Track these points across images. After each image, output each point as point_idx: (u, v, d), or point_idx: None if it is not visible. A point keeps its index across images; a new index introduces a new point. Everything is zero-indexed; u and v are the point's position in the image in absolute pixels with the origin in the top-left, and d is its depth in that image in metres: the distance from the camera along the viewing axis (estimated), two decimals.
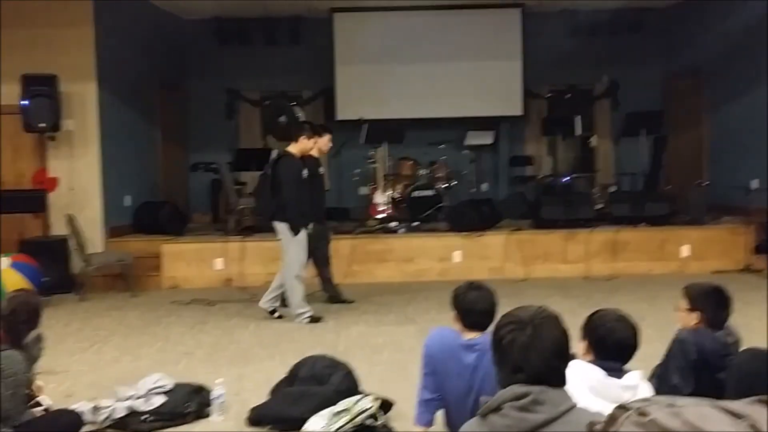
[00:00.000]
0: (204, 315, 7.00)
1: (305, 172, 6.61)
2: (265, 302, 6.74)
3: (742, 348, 2.85)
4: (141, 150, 9.87)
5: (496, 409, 1.86)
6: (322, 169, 7.14)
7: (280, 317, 6.71)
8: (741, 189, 8.57)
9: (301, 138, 6.64)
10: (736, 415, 1.28)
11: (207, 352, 5.70)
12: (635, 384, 2.55)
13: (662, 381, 2.96)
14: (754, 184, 8.94)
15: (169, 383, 4.25)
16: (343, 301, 7.26)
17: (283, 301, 6.75)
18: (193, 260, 8.47)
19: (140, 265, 8.35)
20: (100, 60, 8.59)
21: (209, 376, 4.69)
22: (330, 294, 7.30)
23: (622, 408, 1.26)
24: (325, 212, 7.33)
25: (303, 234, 6.48)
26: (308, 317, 6.55)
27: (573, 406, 1.84)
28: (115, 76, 8.90)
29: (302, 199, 6.49)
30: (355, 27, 11.07)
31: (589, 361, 2.58)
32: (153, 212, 9.23)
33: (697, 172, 10.48)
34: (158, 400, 4.11)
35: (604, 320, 2.65)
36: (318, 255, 7.06)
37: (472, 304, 3.16)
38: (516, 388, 1.85)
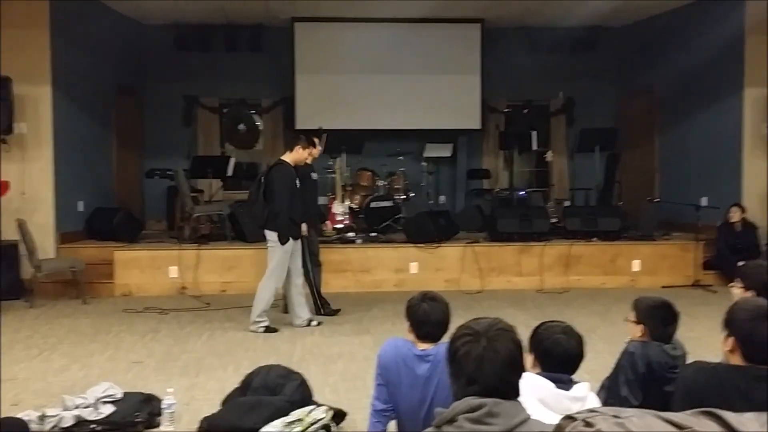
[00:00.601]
0: (157, 323, 6.90)
1: (297, 182, 6.64)
2: (298, 319, 6.73)
3: (689, 361, 2.92)
4: (95, 155, 9.70)
5: (451, 420, 1.86)
6: (315, 175, 7.11)
7: (318, 324, 6.72)
8: (691, 206, 8.79)
9: (297, 148, 6.66)
10: (679, 426, 1.31)
11: (159, 361, 5.62)
12: (584, 395, 2.59)
13: (611, 393, 3.02)
14: (704, 201, 9.18)
15: (118, 392, 4.18)
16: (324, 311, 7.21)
17: (285, 307, 6.91)
18: (147, 268, 8.35)
19: (92, 272, 8.20)
20: (55, 63, 8.44)
21: (160, 386, 4.63)
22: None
23: (568, 418, 1.29)
24: (317, 218, 7.28)
25: (290, 244, 6.51)
26: (264, 327, 6.53)
27: (527, 419, 1.86)
28: (70, 80, 8.75)
29: (293, 209, 6.53)
30: (316, 37, 11.09)
31: (537, 374, 2.62)
32: (106, 218, 9.08)
33: (649, 188, 10.72)
34: (107, 410, 4.04)
35: (549, 333, 2.70)
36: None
37: (425, 316, 3.17)
38: (470, 400, 1.86)
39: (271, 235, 6.50)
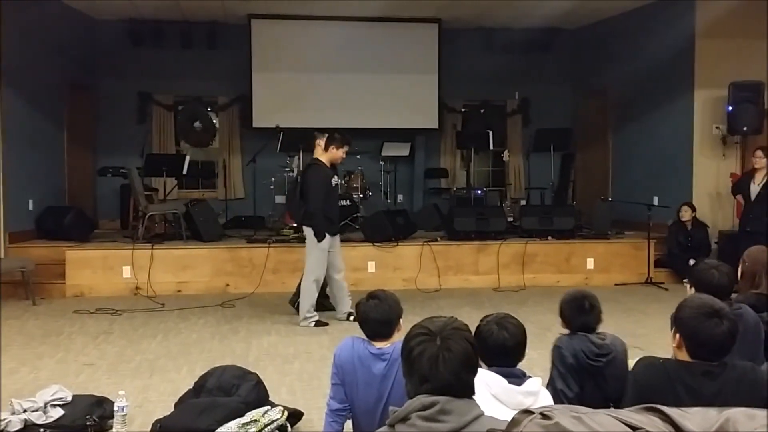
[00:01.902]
0: (109, 324, 6.77)
1: (334, 180, 6.69)
2: (340, 313, 6.87)
3: (640, 356, 2.98)
4: (46, 153, 9.48)
5: (404, 419, 1.87)
6: (336, 178, 6.96)
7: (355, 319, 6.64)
8: (643, 205, 8.96)
9: (332, 147, 6.64)
10: (633, 428, 1.33)
11: (111, 362, 5.51)
12: (536, 390, 2.62)
13: (549, 386, 3.09)
14: (656, 200, 9.36)
15: (68, 395, 4.08)
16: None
17: (296, 305, 6.86)
18: (100, 268, 8.19)
19: (43, 272, 8.02)
20: (4, 58, 8.23)
21: (112, 388, 4.54)
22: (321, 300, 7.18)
23: (525, 412, 1.29)
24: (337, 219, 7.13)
25: (327, 241, 6.58)
26: (314, 321, 6.65)
27: (480, 415, 1.87)
28: (19, 75, 8.53)
29: (329, 207, 6.64)
30: (273, 34, 11.01)
31: (490, 369, 2.64)
32: (57, 217, 8.89)
33: (603, 188, 10.90)
34: (56, 413, 3.94)
35: (486, 326, 2.76)
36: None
37: (367, 314, 3.19)
38: (423, 399, 1.87)
39: (308, 233, 6.61)
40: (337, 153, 6.68)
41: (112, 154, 10.75)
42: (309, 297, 6.66)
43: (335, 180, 6.76)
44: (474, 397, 1.93)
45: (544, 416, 1.29)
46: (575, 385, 3.12)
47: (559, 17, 10.72)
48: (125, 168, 9.34)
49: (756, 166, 7.94)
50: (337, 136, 6.73)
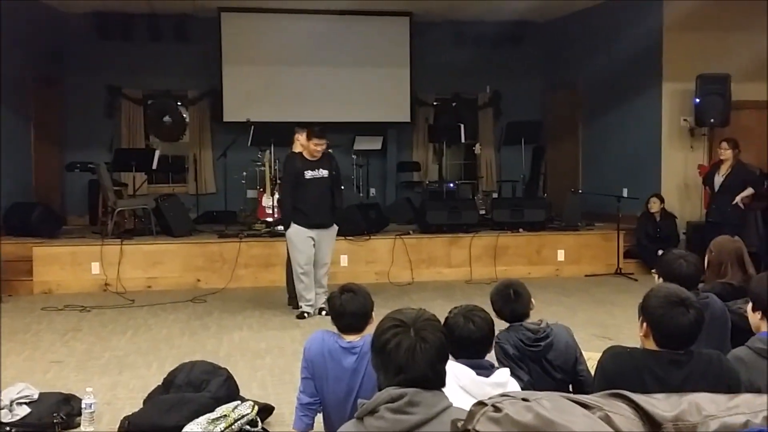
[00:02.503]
0: (78, 321, 6.68)
1: (311, 173, 6.58)
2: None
3: (609, 346, 3.01)
4: (11, 148, 9.29)
5: (372, 411, 1.87)
6: (324, 172, 6.68)
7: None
8: (612, 197, 9.04)
9: (294, 138, 6.78)
10: (589, 407, 1.34)
11: (79, 360, 5.44)
12: (504, 381, 2.63)
13: None
14: (625, 192, 9.45)
15: (34, 393, 4.02)
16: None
17: (293, 299, 6.86)
18: (68, 264, 8.08)
19: (10, 269, 7.87)
20: None
21: (80, 385, 4.49)
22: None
23: (480, 404, 1.30)
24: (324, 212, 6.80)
25: (297, 232, 6.57)
26: (302, 311, 6.71)
27: (448, 407, 1.88)
28: None
29: (301, 199, 6.59)
30: (244, 28, 10.92)
31: (458, 361, 2.65)
32: (24, 213, 8.73)
33: (573, 180, 10.98)
34: (22, 411, 3.88)
35: (454, 319, 2.78)
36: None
37: (341, 308, 3.18)
38: (391, 391, 1.87)
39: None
40: (308, 145, 6.63)
41: (80, 149, 10.59)
42: (299, 283, 6.69)
43: (313, 173, 6.58)
44: (443, 388, 1.94)
45: (496, 408, 1.29)
46: (524, 374, 3.16)
47: (530, 11, 10.76)
48: (94, 163, 9.20)
49: (721, 158, 8.05)
50: (314, 129, 6.67)
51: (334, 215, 6.82)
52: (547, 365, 3.22)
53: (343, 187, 7.30)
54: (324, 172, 6.64)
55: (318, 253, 6.72)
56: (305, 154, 6.63)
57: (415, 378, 1.88)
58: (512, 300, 3.34)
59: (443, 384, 1.95)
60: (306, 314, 6.66)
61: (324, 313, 6.60)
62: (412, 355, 1.89)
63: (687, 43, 9.14)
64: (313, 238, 6.61)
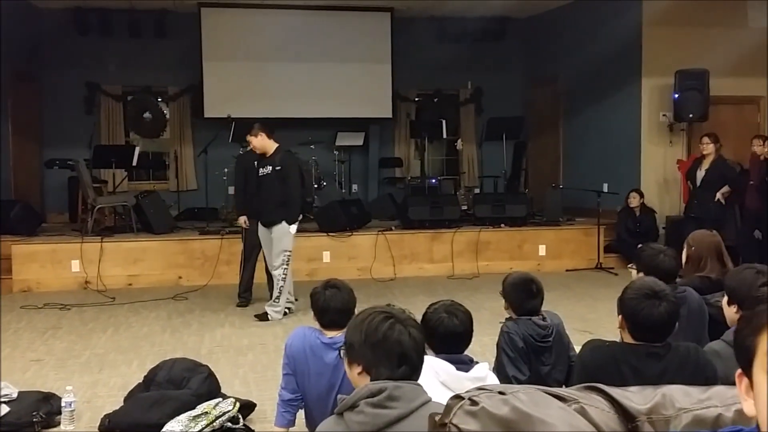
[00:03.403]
0: (58, 320, 6.63)
1: (263, 170, 6.49)
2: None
3: (588, 339, 3.04)
4: None
5: (352, 406, 1.87)
6: (268, 168, 6.52)
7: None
8: (593, 192, 9.10)
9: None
10: (564, 400, 1.35)
11: (59, 358, 5.40)
12: (484, 375, 2.65)
13: (499, 374, 3.12)
14: (605, 187, 9.51)
15: (13, 392, 3.99)
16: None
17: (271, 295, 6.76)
18: (48, 262, 8.01)
19: None
20: None
21: (60, 384, 4.46)
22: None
23: (457, 398, 1.30)
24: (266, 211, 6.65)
25: (251, 231, 6.73)
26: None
27: (428, 401, 1.89)
28: None
29: (250, 195, 6.68)
30: (224, 23, 10.86)
31: (437, 356, 2.66)
32: (3, 211, 8.61)
33: (554, 175, 11.04)
34: (2, 410, 3.84)
35: (434, 314, 2.78)
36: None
37: (326, 303, 3.18)
38: (371, 385, 1.87)
39: None
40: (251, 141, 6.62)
41: (59, 145, 10.48)
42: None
43: (263, 170, 6.49)
44: (421, 383, 1.95)
45: (472, 401, 1.30)
46: (526, 368, 3.17)
47: (510, 6, 10.80)
48: (73, 160, 9.12)
49: (703, 153, 8.11)
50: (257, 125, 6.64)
51: (280, 212, 6.46)
52: (546, 359, 3.25)
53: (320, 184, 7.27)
54: (266, 168, 6.51)
55: (265, 251, 6.71)
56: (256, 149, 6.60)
57: (414, 368, 1.95)
58: (534, 295, 3.34)
59: (419, 377, 1.99)
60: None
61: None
62: (413, 346, 1.95)
63: (666, 38, 9.21)
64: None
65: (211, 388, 4.00)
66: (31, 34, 10.43)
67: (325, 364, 3.16)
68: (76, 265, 8.01)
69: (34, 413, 3.88)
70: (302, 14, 10.84)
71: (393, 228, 9.01)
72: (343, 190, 10.86)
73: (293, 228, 6.44)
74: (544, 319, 3.31)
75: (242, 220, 6.90)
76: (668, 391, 1.50)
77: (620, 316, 2.55)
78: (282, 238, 6.45)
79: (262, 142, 6.48)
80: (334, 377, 3.15)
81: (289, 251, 6.49)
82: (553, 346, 3.25)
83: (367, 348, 1.97)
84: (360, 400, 1.86)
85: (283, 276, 6.49)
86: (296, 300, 6.83)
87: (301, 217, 6.72)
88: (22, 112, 10.14)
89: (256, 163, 6.58)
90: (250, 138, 6.55)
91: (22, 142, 10.10)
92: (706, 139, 8.03)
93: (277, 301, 6.54)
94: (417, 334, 1.99)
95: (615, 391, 1.41)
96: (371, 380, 1.95)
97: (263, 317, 6.52)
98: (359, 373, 1.99)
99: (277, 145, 6.54)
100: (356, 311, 3.19)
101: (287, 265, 6.49)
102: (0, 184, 9.43)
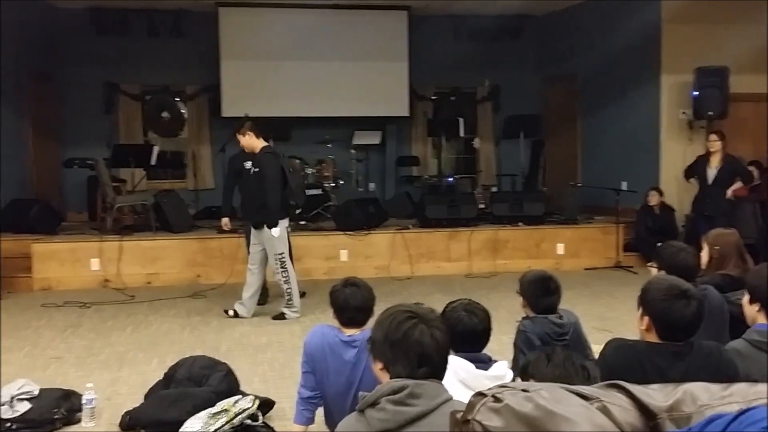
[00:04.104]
0: (77, 318, 6.68)
1: (250, 171, 6.50)
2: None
3: (610, 339, 3.02)
4: (10, 144, 9.28)
5: (374, 403, 1.87)
6: (247, 164, 6.57)
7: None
8: (611, 190, 9.04)
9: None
10: (587, 398, 1.34)
11: (79, 356, 5.44)
12: (503, 374, 2.64)
13: (516, 373, 3.11)
14: (624, 185, 9.45)
15: (35, 389, 4.03)
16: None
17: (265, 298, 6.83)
18: (67, 260, 8.08)
19: (9, 266, 7.86)
20: None
21: (81, 381, 4.49)
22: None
23: (479, 395, 1.30)
24: (250, 212, 6.71)
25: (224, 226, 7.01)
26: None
27: (449, 399, 1.88)
28: None
29: (240, 193, 6.79)
30: (242, 22, 10.89)
31: (456, 355, 2.66)
32: (23, 210, 8.73)
33: (572, 173, 10.98)
34: (23, 407, 3.89)
35: (453, 312, 2.77)
36: None
37: (345, 301, 3.18)
38: (393, 383, 1.88)
39: None
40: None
41: (78, 145, 10.58)
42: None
43: (250, 170, 6.49)
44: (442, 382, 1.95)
45: (496, 398, 1.29)
46: None
47: (527, 4, 10.75)
48: (92, 159, 9.19)
49: (711, 150, 8.05)
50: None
51: (260, 214, 6.40)
52: None
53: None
54: (252, 170, 6.47)
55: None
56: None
57: (435, 369, 1.93)
58: (551, 293, 3.33)
59: (443, 376, 1.97)
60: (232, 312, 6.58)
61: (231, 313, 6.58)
62: (435, 346, 1.93)
63: (685, 35, 9.13)
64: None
65: (231, 386, 4.02)
66: (50, 34, 10.53)
67: (344, 362, 3.16)
68: (95, 264, 8.08)
69: (55, 410, 3.92)
70: (319, 13, 10.85)
71: (410, 226, 9.01)
72: (360, 189, 10.87)
73: (275, 231, 6.28)
74: (560, 317, 3.29)
75: (224, 221, 6.91)
76: (689, 388, 1.49)
77: (645, 318, 2.52)
78: (270, 243, 6.37)
79: (249, 141, 6.42)
80: (353, 375, 3.16)
81: (280, 253, 6.35)
82: (570, 344, 3.24)
83: (387, 346, 1.98)
84: (381, 398, 1.86)
85: (285, 278, 6.41)
86: (303, 294, 6.84)
87: (287, 220, 6.52)
88: (42, 112, 10.24)
89: (245, 163, 6.56)
90: (238, 136, 6.49)
91: (42, 142, 10.20)
92: (713, 137, 7.99)
93: (290, 302, 6.51)
94: (441, 335, 1.97)
95: (635, 389, 1.40)
96: (390, 378, 1.95)
97: (280, 317, 6.53)
98: (381, 369, 2.00)
99: (264, 145, 6.46)
100: (375, 310, 3.21)
101: (284, 267, 6.38)
102: (20, 183, 9.53)
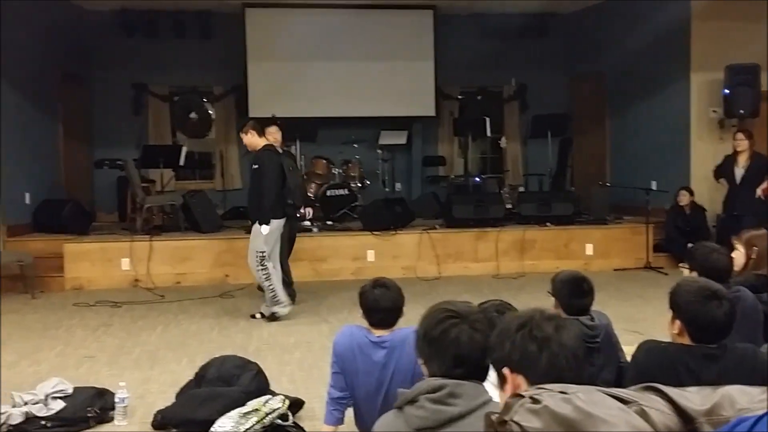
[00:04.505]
0: (109, 317, 6.77)
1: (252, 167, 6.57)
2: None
3: (639, 341, 2.99)
4: (41, 145, 9.44)
5: (412, 401, 1.87)
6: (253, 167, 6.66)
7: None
8: (641, 190, 8.95)
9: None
10: (624, 401, 1.34)
11: (111, 355, 5.51)
12: None
13: None
14: (653, 185, 9.35)
15: (68, 387, 4.09)
16: None
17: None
18: (98, 260, 8.18)
19: (41, 266, 8.00)
20: None
21: (113, 380, 4.55)
22: None
23: (516, 396, 1.30)
24: (250, 207, 6.82)
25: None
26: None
27: (489, 400, 1.88)
28: (11, 67, 8.47)
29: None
30: (268, 23, 10.95)
31: None
32: (55, 210, 8.87)
33: (601, 173, 10.89)
34: (57, 405, 3.94)
35: (486, 313, 2.74)
36: None
37: (375, 303, 3.17)
38: (432, 381, 1.88)
39: None
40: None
41: (108, 145, 10.72)
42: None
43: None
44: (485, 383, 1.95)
45: (534, 400, 1.29)
46: None
47: (554, 2, 10.68)
48: (122, 160, 9.31)
49: (738, 149, 7.95)
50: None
51: (254, 211, 6.49)
52: (595, 360, 3.19)
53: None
54: (252, 164, 6.55)
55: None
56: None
57: (472, 370, 1.90)
58: (584, 294, 3.30)
59: (486, 377, 1.95)
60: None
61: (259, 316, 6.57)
62: (472, 347, 1.91)
63: (715, 32, 9.00)
64: None
65: (261, 386, 4.05)
66: (80, 36, 10.66)
67: (373, 363, 3.16)
68: (125, 264, 8.17)
69: (89, 408, 3.97)
70: (345, 13, 10.87)
71: (437, 227, 8.99)
72: (387, 189, 10.88)
73: (264, 228, 6.24)
74: (592, 319, 3.26)
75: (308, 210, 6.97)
76: (727, 391, 1.48)
77: (677, 321, 2.49)
78: (254, 239, 6.35)
79: (251, 140, 6.48)
80: (382, 375, 3.15)
81: (262, 252, 6.28)
82: (601, 346, 3.20)
83: (425, 342, 1.98)
84: (420, 395, 1.86)
85: (265, 275, 6.34)
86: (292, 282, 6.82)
87: (283, 220, 6.46)
88: (73, 113, 10.38)
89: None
90: (241, 135, 6.61)
91: (72, 143, 10.34)
92: (740, 135, 7.90)
93: (276, 299, 6.43)
94: (480, 337, 1.93)
95: (673, 392, 1.39)
96: (428, 375, 1.95)
97: (272, 318, 6.48)
98: (422, 364, 2.00)
99: (264, 143, 6.50)
100: (404, 311, 3.21)
101: (263, 265, 6.30)
102: (52, 184, 9.67)
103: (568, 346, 1.62)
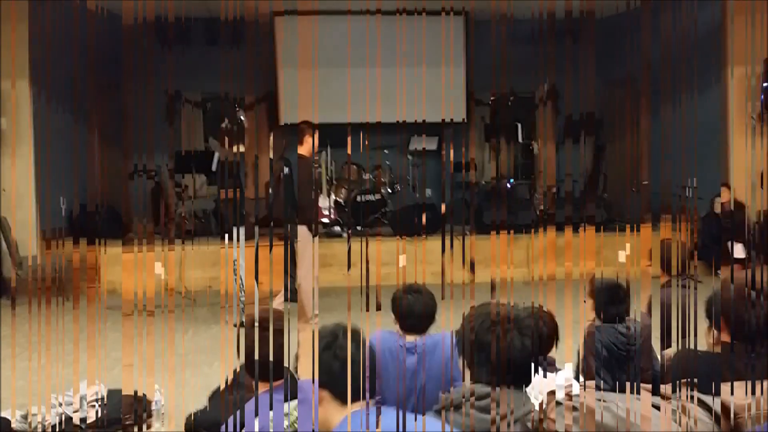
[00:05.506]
0: (142, 321, 6.81)
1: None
2: None
3: (675, 350, 2.92)
4: (77, 153, 9.59)
5: (456, 406, 1.85)
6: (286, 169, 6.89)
7: None
8: (677, 196, 8.80)
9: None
10: (660, 408, 1.31)
11: (145, 359, 5.54)
12: (569, 380, 2.58)
13: (585, 377, 3.04)
14: (689, 191, 9.18)
15: (103, 392, 4.12)
16: None
17: None
18: (132, 266, 8.25)
19: (76, 272, 8.10)
20: (33, 58, 8.32)
21: (147, 384, 4.57)
22: None
23: (551, 394, 1.28)
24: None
25: None
26: None
27: (531, 410, 1.85)
28: (49, 76, 8.62)
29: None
30: (297, 31, 11.01)
31: None
32: (90, 217, 8.99)
33: (634, 178, 10.73)
34: (92, 410, 3.97)
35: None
36: None
37: (409, 308, 3.16)
38: (477, 387, 1.85)
39: None
40: None
41: (142, 152, 10.83)
42: None
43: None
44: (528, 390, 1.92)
45: (570, 398, 1.27)
46: (609, 377, 3.08)
47: (587, 6, 10.56)
48: (156, 166, 9.42)
49: None
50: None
51: None
52: (630, 368, 3.16)
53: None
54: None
55: None
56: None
57: (521, 376, 1.90)
58: (621, 301, 3.26)
59: (530, 382, 1.92)
60: None
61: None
62: (523, 353, 1.90)
63: (754, 25, 8.82)
64: None
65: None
66: (114, 45, 10.79)
67: (404, 368, 3.14)
68: (159, 268, 8.23)
69: (127, 415, 3.99)
70: (375, 20, 10.88)
71: (468, 232, 8.93)
72: (417, 195, 10.85)
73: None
74: (627, 327, 3.20)
75: None
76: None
77: (714, 331, 2.44)
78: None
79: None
80: (413, 381, 3.13)
81: None
82: (637, 354, 3.15)
83: (474, 347, 1.95)
84: (465, 401, 1.84)
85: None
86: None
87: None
88: (107, 121, 10.51)
89: None
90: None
91: (107, 150, 10.47)
92: None
93: None
94: (528, 342, 1.92)
95: (709, 397, 1.36)
96: (471, 380, 1.92)
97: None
98: (466, 367, 1.99)
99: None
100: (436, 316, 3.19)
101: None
102: (87, 191, 9.81)
103: None
